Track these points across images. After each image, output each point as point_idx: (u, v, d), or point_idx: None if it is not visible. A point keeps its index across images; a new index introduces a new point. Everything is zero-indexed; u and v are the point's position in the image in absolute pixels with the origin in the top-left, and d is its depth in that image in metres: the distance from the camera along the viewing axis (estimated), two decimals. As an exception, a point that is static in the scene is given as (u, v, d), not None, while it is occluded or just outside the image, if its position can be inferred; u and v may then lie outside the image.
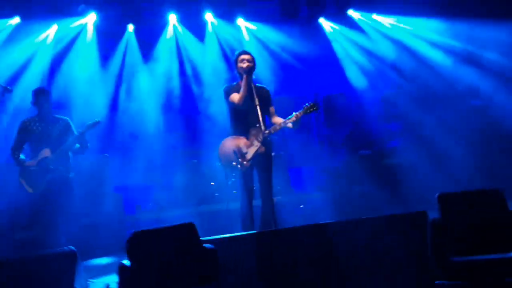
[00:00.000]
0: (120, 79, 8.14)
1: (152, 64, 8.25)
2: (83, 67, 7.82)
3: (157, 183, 7.60)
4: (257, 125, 5.00)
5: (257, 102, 5.03)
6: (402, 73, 8.18)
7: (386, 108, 8.20)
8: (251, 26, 8.49)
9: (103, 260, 5.82)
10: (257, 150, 4.98)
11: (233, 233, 4.37)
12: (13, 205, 5.44)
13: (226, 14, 8.27)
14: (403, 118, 7.87)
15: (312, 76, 8.99)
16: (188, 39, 8.40)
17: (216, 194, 7.28)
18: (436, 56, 7.97)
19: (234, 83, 5.29)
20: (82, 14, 7.68)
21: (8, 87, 5.26)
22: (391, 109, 8.09)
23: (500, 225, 3.90)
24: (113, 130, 7.77)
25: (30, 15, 7.32)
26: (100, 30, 7.93)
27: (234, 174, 5.08)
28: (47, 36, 7.70)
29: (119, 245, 3.53)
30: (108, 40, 8.07)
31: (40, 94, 5.33)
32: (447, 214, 3.90)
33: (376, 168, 7.22)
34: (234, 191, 6.03)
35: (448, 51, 7.88)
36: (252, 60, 5.19)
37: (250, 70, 5.12)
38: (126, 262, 3.42)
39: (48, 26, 7.63)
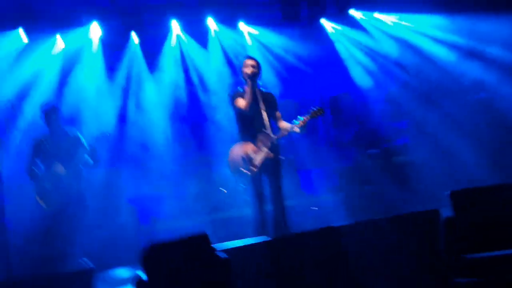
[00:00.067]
0: (127, 91, 8.16)
1: (158, 74, 8.27)
2: (90, 80, 7.84)
3: (169, 192, 7.64)
4: (264, 130, 5.03)
5: (263, 107, 5.06)
6: (407, 70, 8.18)
7: (392, 106, 8.20)
8: (253, 30, 8.52)
9: (120, 272, 5.87)
10: (265, 156, 5.02)
11: (245, 238, 4.40)
12: (29, 222, 5.53)
13: (228, 19, 8.25)
14: (409, 115, 7.86)
15: (316, 78, 8.99)
16: (192, 46, 8.40)
17: (228, 201, 7.33)
18: (440, 52, 7.95)
19: (239, 88, 5.32)
20: None
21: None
22: (397, 106, 8.09)
23: (513, 220, 3.87)
24: (124, 142, 7.80)
25: (35, 28, 7.33)
26: (105, 41, 7.96)
27: (244, 181, 5.13)
28: (53, 49, 7.72)
29: (135, 256, 3.58)
30: (113, 51, 8.07)
31: (50, 113, 5.42)
32: (460, 212, 3.88)
33: (385, 167, 7.24)
34: (245, 198, 6.07)
35: (451, 46, 7.86)
36: (257, 66, 5.21)
37: (255, 75, 5.14)
38: (141, 274, 3.48)
39: (53, 39, 7.65)
